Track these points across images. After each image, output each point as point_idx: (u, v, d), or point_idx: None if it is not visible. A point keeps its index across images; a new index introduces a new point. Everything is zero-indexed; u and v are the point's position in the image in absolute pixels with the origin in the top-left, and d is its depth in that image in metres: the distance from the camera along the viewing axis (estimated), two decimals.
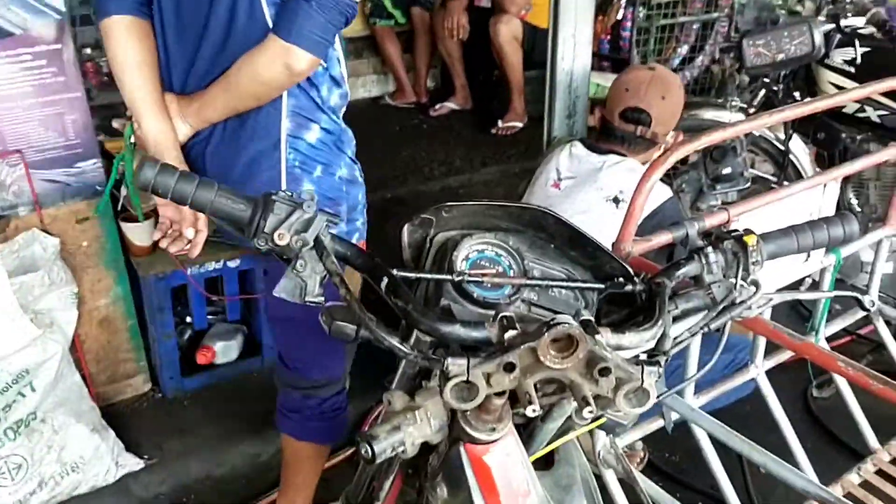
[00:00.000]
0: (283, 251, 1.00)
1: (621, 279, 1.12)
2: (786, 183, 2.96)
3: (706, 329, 1.08)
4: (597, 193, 2.22)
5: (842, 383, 1.94)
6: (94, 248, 2.35)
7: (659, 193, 2.21)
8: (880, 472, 1.84)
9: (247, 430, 2.54)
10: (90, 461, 2.23)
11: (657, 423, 1.69)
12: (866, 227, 2.80)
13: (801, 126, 2.83)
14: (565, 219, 1.12)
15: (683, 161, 3.23)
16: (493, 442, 1.02)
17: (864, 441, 1.97)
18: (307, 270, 1.01)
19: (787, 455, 1.83)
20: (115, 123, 1.80)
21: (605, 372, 0.91)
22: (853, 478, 1.82)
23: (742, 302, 1.09)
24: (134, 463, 2.34)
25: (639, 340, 0.99)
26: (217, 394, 2.67)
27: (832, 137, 2.70)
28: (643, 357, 1.03)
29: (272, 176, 1.61)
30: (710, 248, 1.11)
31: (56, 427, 2.17)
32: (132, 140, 1.67)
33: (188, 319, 2.71)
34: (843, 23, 2.64)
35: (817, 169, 3.03)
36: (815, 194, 1.73)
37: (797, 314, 3.01)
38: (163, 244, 1.66)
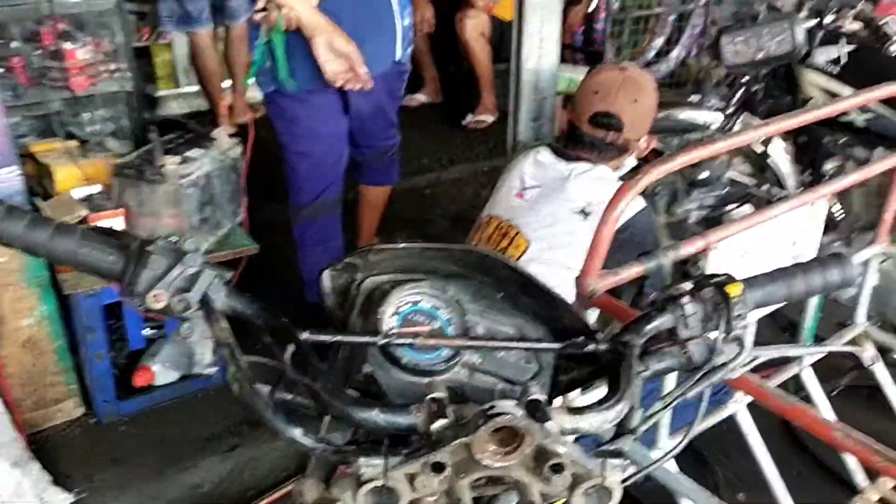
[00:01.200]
0: (165, 313, 0.81)
1: (582, 338, 0.94)
2: (765, 187, 2.81)
3: (682, 399, 0.91)
4: (564, 205, 2.05)
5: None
6: (14, 265, 2.14)
7: (631, 205, 2.03)
8: None
9: (188, 457, 2.34)
10: (10, 499, 2.03)
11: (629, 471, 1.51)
12: (849, 237, 2.66)
13: None
14: (515, 264, 0.94)
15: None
16: None
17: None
18: (195, 335, 0.82)
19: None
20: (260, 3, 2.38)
21: (558, 469, 0.74)
22: None
23: (723, 365, 0.92)
24: (61, 499, 2.14)
25: (601, 421, 0.81)
26: (156, 418, 2.47)
27: (814, 141, 2.54)
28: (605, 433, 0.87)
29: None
30: (686, 298, 0.93)
31: None
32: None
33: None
34: (826, 20, 2.48)
35: (798, 167, 2.89)
36: (802, 210, 1.57)
37: (776, 324, 2.87)
38: (346, 86, 2.34)
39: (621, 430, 0.88)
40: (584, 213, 2.02)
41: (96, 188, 2.22)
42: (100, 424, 2.42)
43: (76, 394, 2.41)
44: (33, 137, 2.58)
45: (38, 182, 2.32)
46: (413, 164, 4.26)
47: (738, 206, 2.96)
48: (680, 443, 0.95)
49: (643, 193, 2.44)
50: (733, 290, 0.92)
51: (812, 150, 2.54)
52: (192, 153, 2.30)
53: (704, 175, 2.71)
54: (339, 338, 0.87)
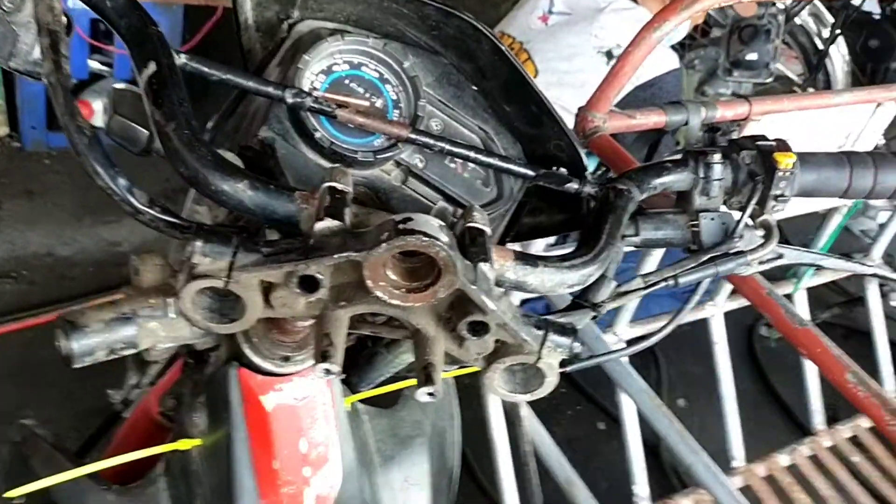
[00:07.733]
0: None
1: (564, 169, 0.70)
2: (811, 90, 2.50)
3: (673, 283, 0.68)
4: (589, 40, 1.76)
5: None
6: None
7: (663, 60, 1.76)
8: (814, 459, 1.54)
9: (112, 212, 2.13)
10: None
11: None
12: None
13: (851, 27, 2.33)
14: (509, 54, 0.67)
15: (704, 33, 2.73)
16: (282, 376, 0.63)
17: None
18: (23, 15, 0.56)
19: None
20: None
21: (479, 329, 0.51)
22: (782, 459, 1.51)
23: (739, 253, 0.68)
24: None
25: (558, 282, 0.58)
26: None
27: (887, 47, 2.21)
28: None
29: None
30: (717, 157, 0.68)
31: None
32: None
33: None
34: None
35: (848, 81, 2.57)
36: (863, 113, 1.30)
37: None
38: None
39: (582, 301, 0.65)
40: (610, 55, 1.74)
41: None
42: (23, 151, 2.19)
43: (3, 111, 2.15)
44: None
45: None
46: None
47: None
48: (649, 337, 0.73)
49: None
50: (783, 160, 0.67)
51: (881, 57, 2.21)
52: None
53: (752, 57, 2.39)
54: (229, 76, 0.60)
